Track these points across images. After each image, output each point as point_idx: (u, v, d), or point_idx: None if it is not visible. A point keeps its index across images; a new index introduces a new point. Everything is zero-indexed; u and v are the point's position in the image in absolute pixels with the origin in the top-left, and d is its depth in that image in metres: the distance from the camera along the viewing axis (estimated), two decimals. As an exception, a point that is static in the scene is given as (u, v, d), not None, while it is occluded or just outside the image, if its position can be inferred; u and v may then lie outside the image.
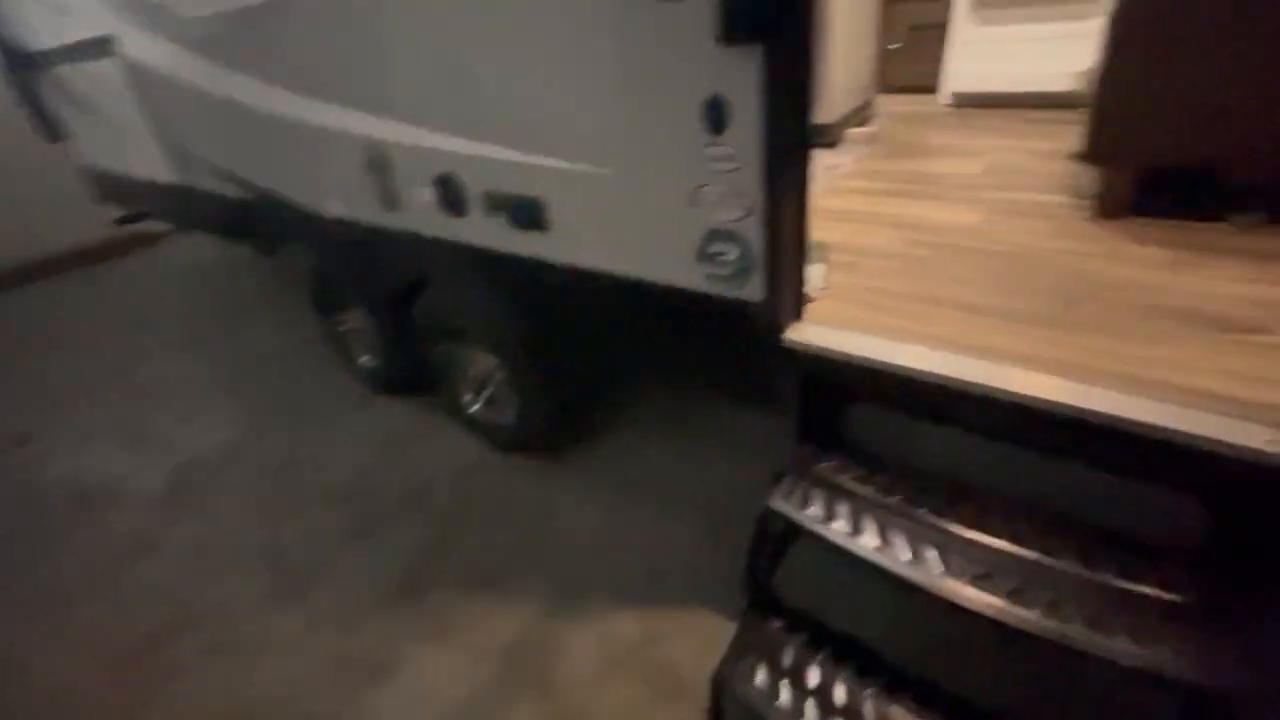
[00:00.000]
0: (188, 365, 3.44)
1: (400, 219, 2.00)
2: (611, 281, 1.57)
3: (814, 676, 1.23)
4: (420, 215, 1.91)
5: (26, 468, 2.75)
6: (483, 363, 2.36)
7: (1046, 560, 1.09)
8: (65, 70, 3.30)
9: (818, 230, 1.91)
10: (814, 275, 1.60)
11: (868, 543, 1.19)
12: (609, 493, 2.20)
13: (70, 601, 2.05)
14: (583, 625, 1.77)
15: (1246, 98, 1.45)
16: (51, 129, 3.81)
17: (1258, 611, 0.98)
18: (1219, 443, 0.96)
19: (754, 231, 1.27)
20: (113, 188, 3.89)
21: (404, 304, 2.37)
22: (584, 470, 2.32)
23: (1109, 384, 1.10)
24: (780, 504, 1.28)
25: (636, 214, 1.44)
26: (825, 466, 1.35)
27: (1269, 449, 0.93)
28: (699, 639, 1.65)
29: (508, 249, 1.75)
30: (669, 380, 1.91)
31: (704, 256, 1.37)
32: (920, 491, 1.25)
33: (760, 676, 1.25)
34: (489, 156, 1.64)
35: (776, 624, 1.34)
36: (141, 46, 2.61)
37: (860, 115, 2.96)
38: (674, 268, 1.43)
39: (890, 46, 3.48)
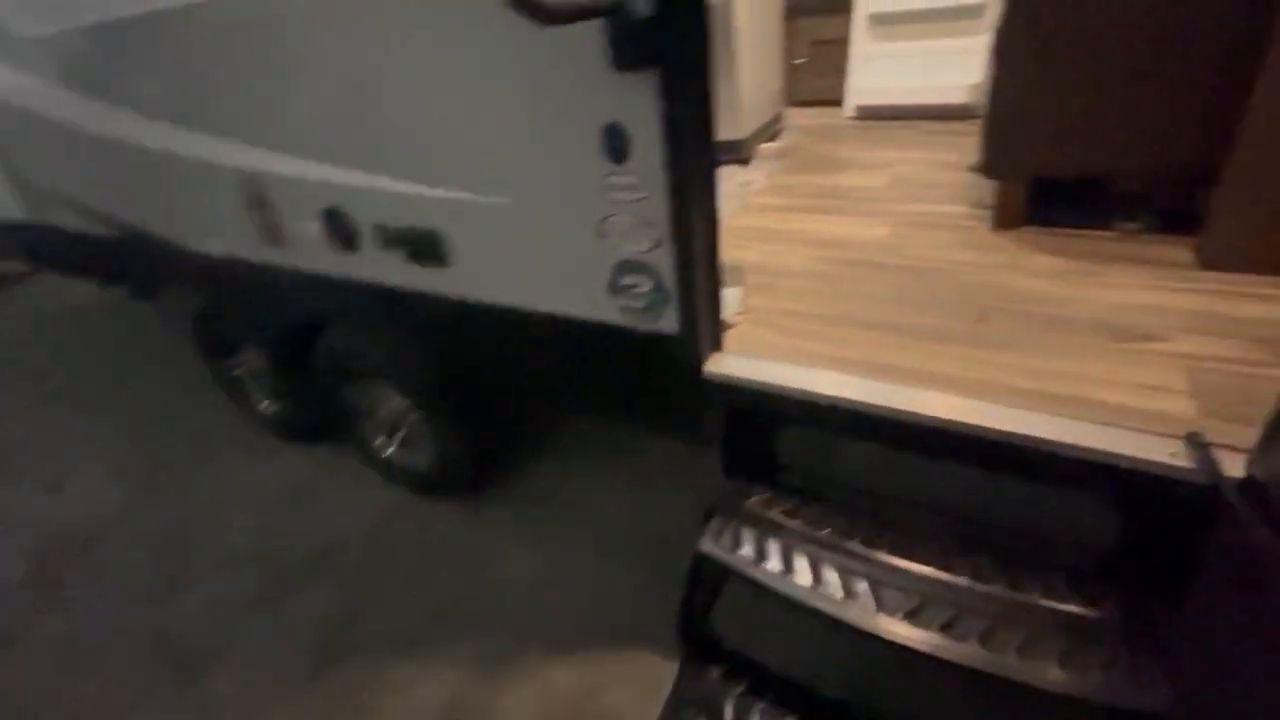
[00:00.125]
0: (58, 422, 3.07)
1: (287, 255, 1.83)
2: (522, 316, 1.48)
3: (756, 726, 1.18)
4: (308, 251, 1.76)
5: None
6: (394, 403, 2.20)
7: (977, 586, 1.08)
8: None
9: (735, 250, 1.89)
10: (731, 299, 1.56)
11: (801, 581, 1.14)
12: (541, 533, 2.08)
13: (-97, 722, 1.75)
14: (518, 682, 1.65)
15: (1125, 111, 1.52)
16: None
17: (1178, 624, 0.99)
18: (1127, 458, 0.97)
19: (665, 263, 1.21)
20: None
21: (303, 344, 2.18)
22: (513, 511, 2.20)
23: (1022, 402, 1.10)
24: (710, 547, 1.22)
25: (542, 246, 1.36)
26: (755, 501, 1.30)
27: (1173, 462, 0.95)
28: (641, 685, 1.56)
29: (407, 285, 1.63)
30: (597, 413, 1.83)
31: (616, 289, 1.30)
32: (851, 521, 1.22)
33: (701, 731, 1.18)
34: (379, 188, 1.51)
35: (715, 672, 1.27)
36: (-27, 70, 2.31)
37: (770, 130, 2.99)
38: (586, 301, 1.36)
39: (796, 62, 3.56)
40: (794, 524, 1.25)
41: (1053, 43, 1.52)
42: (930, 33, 3.00)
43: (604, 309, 1.34)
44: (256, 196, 1.77)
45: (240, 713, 1.66)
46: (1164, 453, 0.96)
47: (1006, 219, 1.79)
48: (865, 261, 1.70)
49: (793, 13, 3.39)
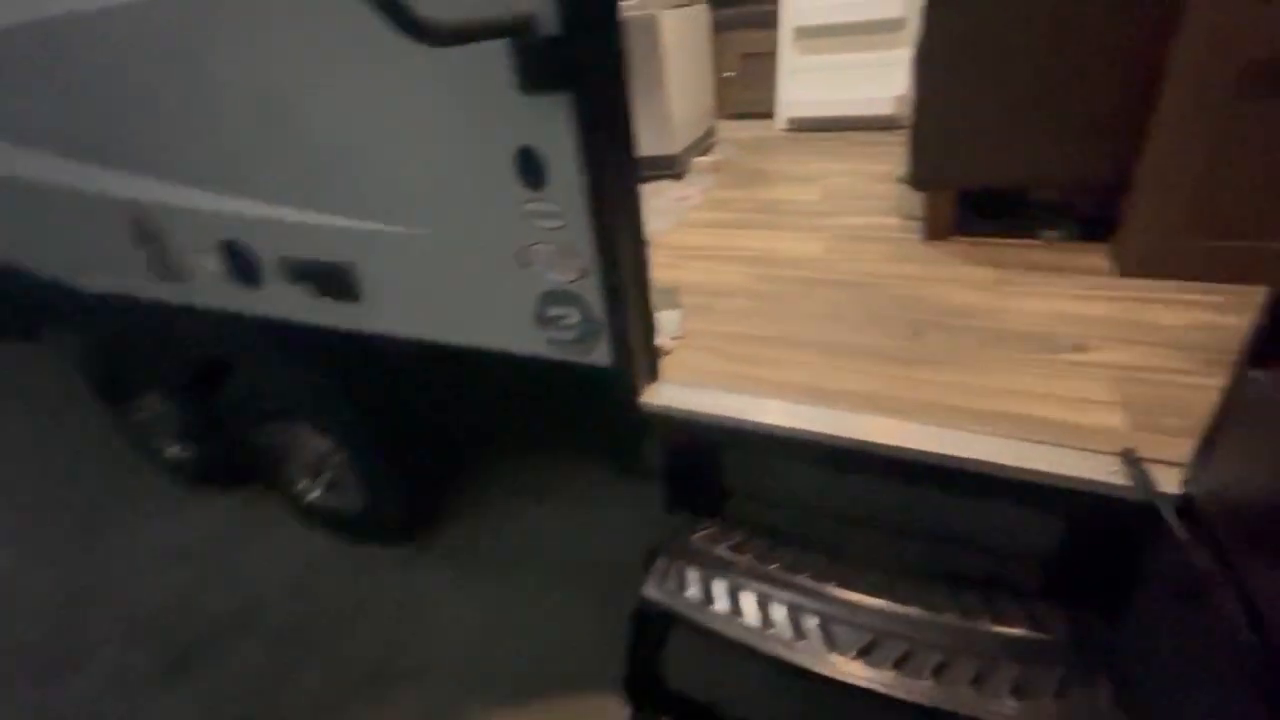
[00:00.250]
0: (-69, 482, 2.74)
1: (183, 292, 1.67)
2: (446, 352, 1.38)
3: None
4: (207, 287, 1.60)
5: None
6: (316, 443, 2.05)
7: (928, 616, 1.05)
8: None
9: (671, 270, 1.84)
10: (668, 323, 1.50)
11: (749, 622, 1.09)
12: (483, 577, 1.97)
13: None
14: (460, 743, 1.53)
15: (1041, 124, 1.55)
16: None
17: (1122, 640, 0.98)
18: (1067, 478, 0.96)
19: (592, 293, 1.14)
20: None
21: (210, 384, 2.00)
22: (452, 555, 2.07)
23: (963, 423, 1.08)
24: (654, 592, 1.15)
25: (459, 278, 1.27)
26: (700, 536, 1.24)
27: (1111, 479, 0.94)
28: (591, 736, 1.48)
29: (318, 321, 1.50)
30: (536, 448, 1.73)
31: (543, 321, 1.23)
32: (800, 552, 1.18)
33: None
34: (282, 219, 1.38)
35: (666, 722, 1.20)
36: None
37: (704, 144, 2.97)
38: (511, 335, 1.27)
39: (726, 75, 3.57)
40: (742, 559, 1.19)
41: (970, 59, 1.54)
42: (854, 45, 3.06)
43: (531, 342, 1.26)
44: (146, 230, 1.61)
45: (145, 807, 1.48)
46: (1102, 471, 0.95)
47: (936, 230, 1.80)
48: (802, 278, 1.68)
49: (721, 26, 3.40)
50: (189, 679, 1.76)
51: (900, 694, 0.95)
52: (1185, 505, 0.87)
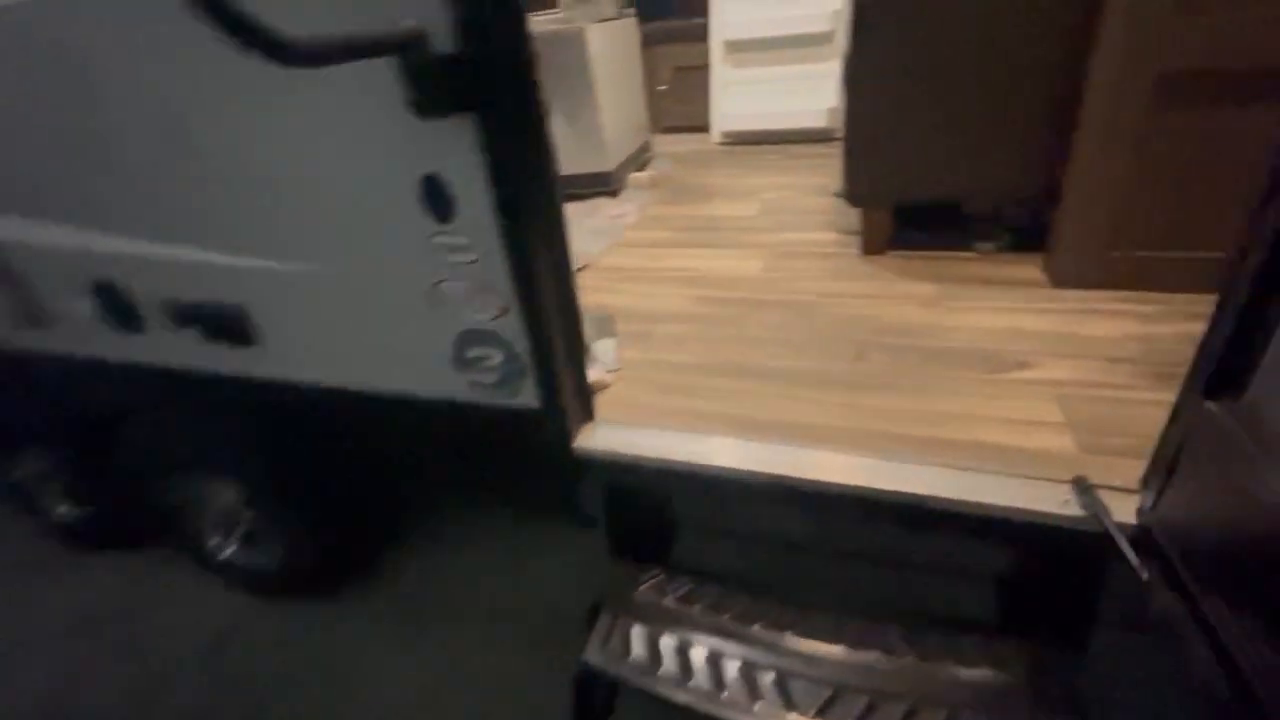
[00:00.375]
0: None
1: (54, 339, 1.47)
2: (360, 398, 1.25)
3: None
4: (80, 334, 1.42)
5: None
6: (227, 496, 1.86)
7: (888, 664, 0.98)
8: None
9: (607, 294, 1.76)
10: (604, 354, 1.41)
11: (700, 685, 1.00)
12: (419, 632, 1.81)
13: None
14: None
15: (971, 138, 1.54)
16: None
17: (1087, 681, 0.94)
18: (1020, 510, 0.92)
19: (514, 331, 1.04)
20: None
21: (100, 438, 1.78)
22: (384, 610, 1.90)
23: (912, 455, 1.03)
24: (597, 657, 1.05)
25: (367, 319, 1.15)
26: (646, 587, 1.15)
27: (1064, 511, 0.90)
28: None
29: (210, 369, 1.34)
30: (470, 494, 1.60)
31: (462, 364, 1.12)
32: (752, 600, 1.10)
33: None
34: (162, 258, 1.23)
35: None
36: None
37: (639, 159, 2.91)
38: (428, 379, 1.16)
39: (659, 88, 3.54)
40: (691, 610, 1.10)
41: (898, 77, 1.53)
42: (784, 59, 3.06)
43: (451, 386, 1.15)
44: (5, 271, 1.41)
45: None
46: (1055, 501, 0.91)
47: (873, 245, 1.78)
48: (742, 299, 1.62)
49: (651, 40, 3.36)
50: (78, 779, 1.55)
51: (864, 755, 0.89)
52: (1141, 536, 0.84)
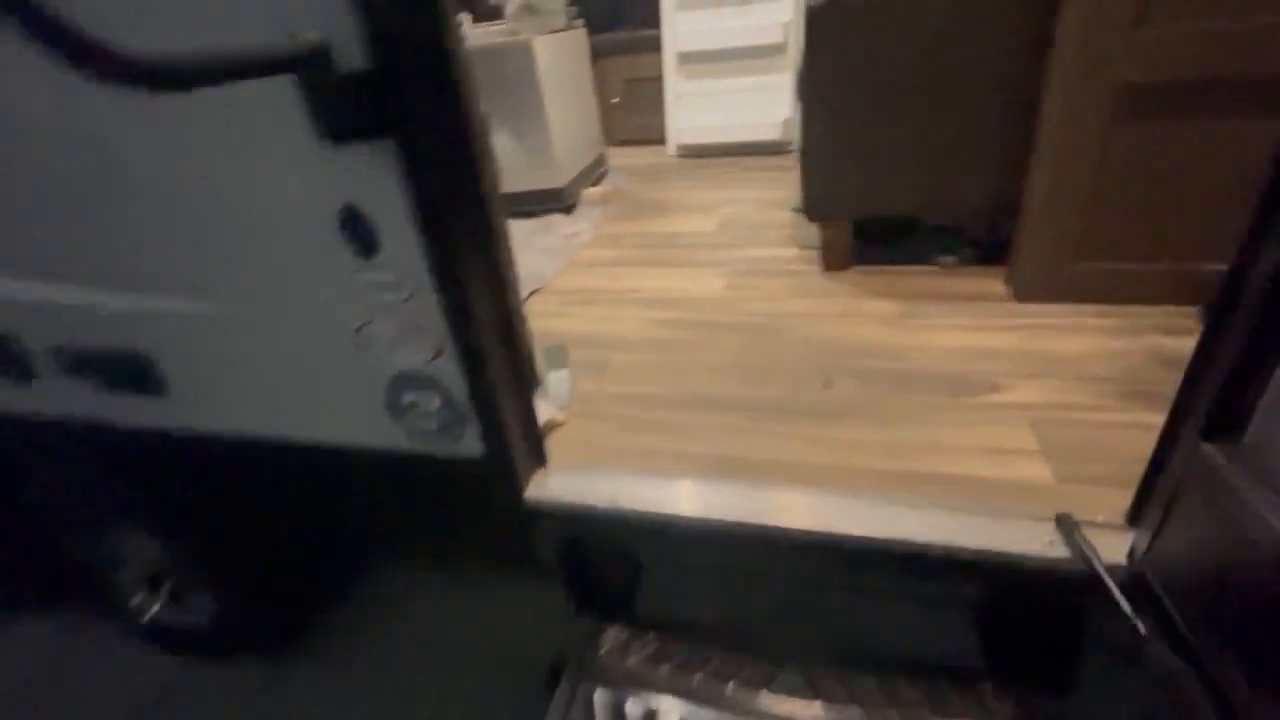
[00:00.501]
0: None
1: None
2: (284, 448, 1.12)
3: None
4: (-38, 387, 1.25)
5: None
6: (150, 550, 1.69)
7: (866, 718, 0.91)
8: None
9: (561, 319, 1.67)
10: (557, 388, 1.32)
11: (671, 757, 0.91)
12: (366, 690, 1.67)
13: None
14: None
15: (929, 152, 1.51)
16: None
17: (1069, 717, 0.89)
18: (1002, 554, 0.86)
19: (452, 374, 0.94)
20: None
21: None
22: (329, 666, 1.75)
23: (887, 489, 0.97)
24: (555, 731, 0.95)
25: (290, 365, 1.03)
26: (609, 649, 1.06)
27: (1049, 553, 0.84)
28: None
29: (115, 420, 1.20)
30: (416, 544, 1.48)
31: (397, 410, 1.01)
32: (723, 657, 1.01)
33: None
34: (49, 300, 1.09)
35: None
36: None
37: (593, 174, 2.83)
38: (360, 427, 1.05)
39: (612, 101, 3.47)
40: (658, 672, 1.01)
41: (854, 92, 1.48)
42: (736, 70, 3.03)
43: (385, 434, 1.04)
44: None
45: None
46: (1039, 541, 0.85)
47: (834, 261, 1.74)
48: (703, 322, 1.55)
49: (601, 52, 3.30)
50: None
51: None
52: (1133, 580, 0.79)
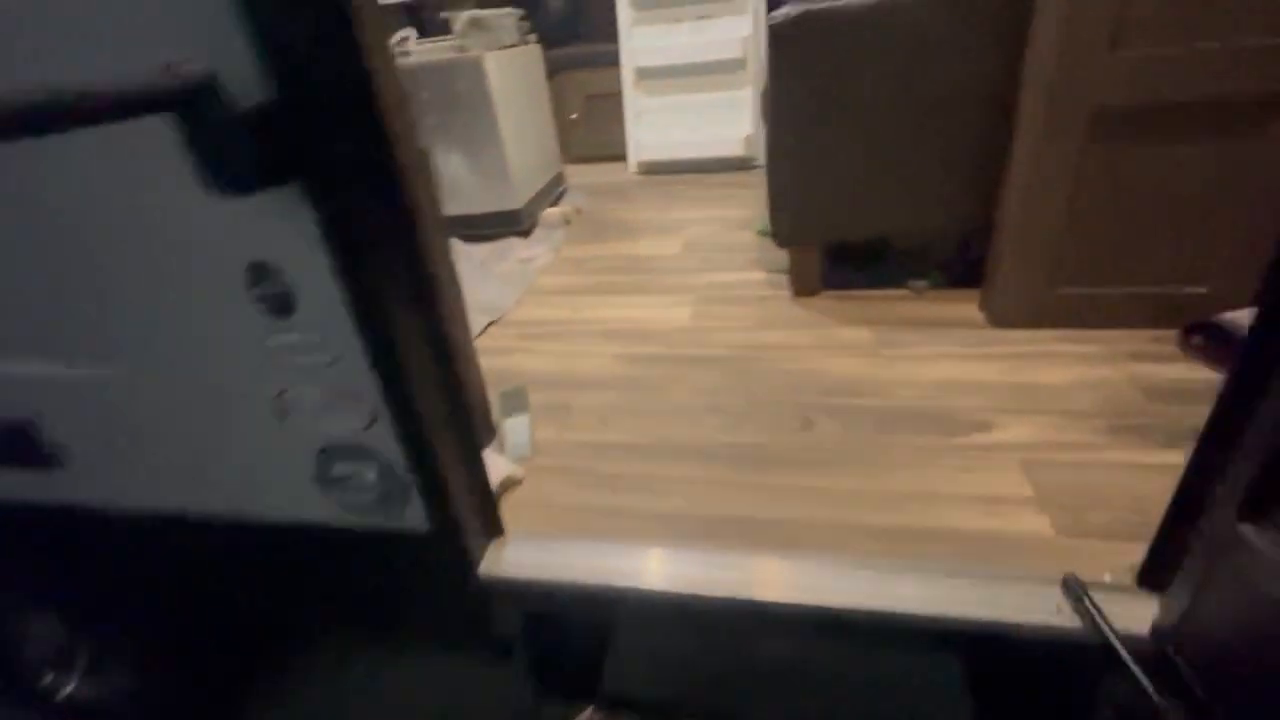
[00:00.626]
0: None
1: None
2: (201, 523, 0.99)
3: None
4: None
5: None
6: (51, 627, 1.50)
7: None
8: None
9: (519, 355, 1.55)
10: (515, 437, 1.21)
11: None
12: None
13: None
14: None
15: (899, 174, 1.46)
16: None
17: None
18: (1003, 624, 0.78)
19: (390, 444, 0.82)
20: None
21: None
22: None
23: (875, 549, 0.89)
24: None
25: (200, 434, 0.90)
26: (576, 734, 0.95)
27: (1058, 622, 0.77)
28: None
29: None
30: (359, 620, 1.33)
31: (329, 482, 0.88)
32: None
33: None
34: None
35: None
36: None
37: (552, 193, 2.73)
38: (285, 500, 0.92)
39: (571, 117, 3.38)
40: (632, 762, 0.91)
41: (821, 115, 1.42)
42: (696, 86, 2.98)
43: (316, 508, 0.91)
44: None
45: None
46: (1046, 609, 0.78)
47: (804, 287, 1.67)
48: (671, 357, 1.46)
49: (557, 67, 3.20)
50: None
51: None
52: (1148, 650, 0.72)
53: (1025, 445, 1.07)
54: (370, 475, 0.86)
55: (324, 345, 0.76)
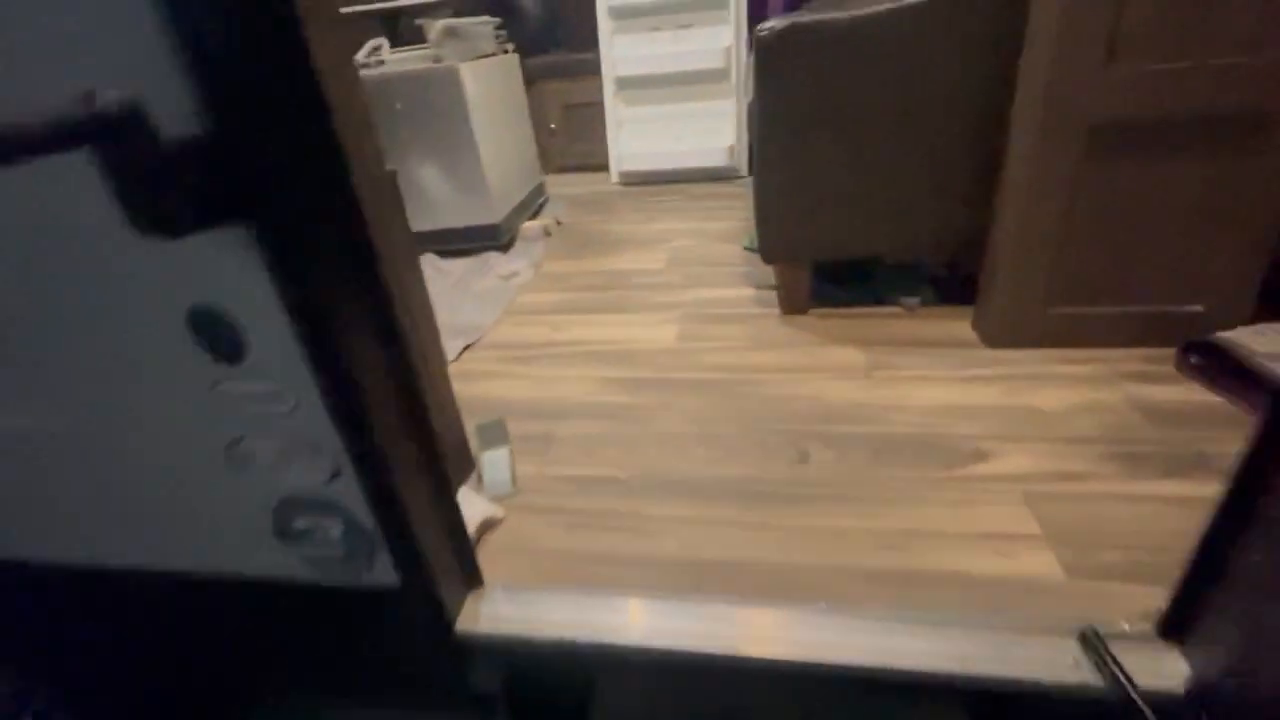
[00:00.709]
0: None
1: None
2: (151, 577, 0.91)
3: None
4: None
5: None
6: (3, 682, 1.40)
7: None
8: None
9: (498, 381, 1.48)
10: (495, 472, 1.14)
11: None
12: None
13: None
14: None
15: (889, 192, 1.42)
16: None
17: None
18: (1016, 681, 0.73)
19: (355, 496, 0.75)
20: None
21: None
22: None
23: (875, 595, 0.84)
24: None
25: (149, 486, 0.82)
26: (563, 801, 0.88)
27: (1074, 677, 0.72)
28: None
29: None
30: (330, 675, 1.25)
31: (290, 537, 0.81)
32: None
33: None
34: None
35: None
36: None
37: (532, 205, 2.67)
38: (243, 555, 0.84)
39: (550, 126, 3.32)
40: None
41: (807, 124, 1.37)
42: (678, 96, 2.94)
43: (278, 563, 0.84)
44: None
45: None
46: (1063, 665, 0.73)
47: (793, 305, 1.62)
48: (658, 381, 1.40)
49: (535, 76, 3.15)
50: None
51: None
52: (1175, 706, 0.68)
53: (1026, 476, 1.03)
54: (334, 530, 0.79)
55: (280, 393, 0.69)
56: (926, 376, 1.32)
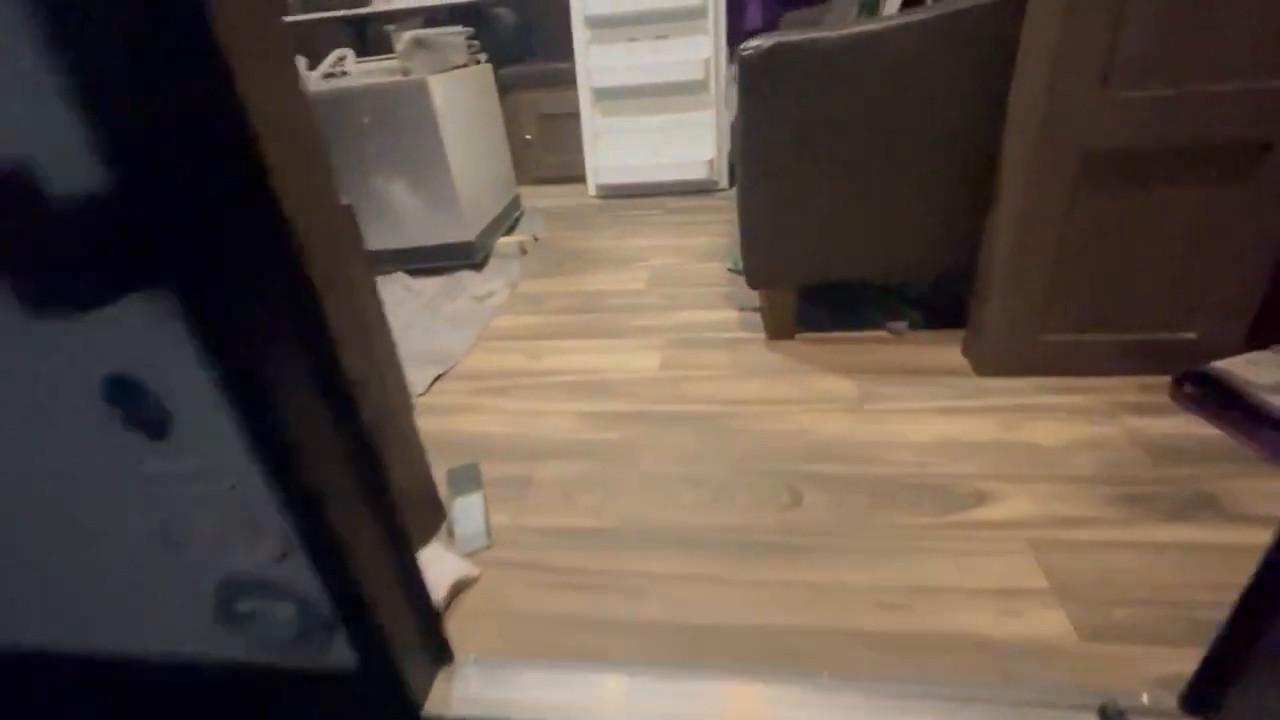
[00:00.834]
0: None
1: None
2: (86, 659, 0.81)
3: None
4: None
5: None
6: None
7: None
8: None
9: (471, 416, 1.39)
10: (467, 522, 1.06)
11: None
12: None
13: None
14: None
15: (877, 219, 1.37)
16: None
17: None
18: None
19: (305, 574, 0.67)
20: None
21: None
22: None
23: (876, 662, 0.78)
24: None
25: (75, 567, 0.72)
26: None
27: (1099, 758, 0.67)
28: None
29: None
30: None
31: (234, 619, 0.73)
32: None
33: None
34: None
35: None
36: None
37: (507, 220, 2.58)
38: (183, 638, 0.76)
39: (526, 137, 3.24)
40: None
41: (793, 145, 1.32)
42: (657, 107, 2.88)
43: (222, 645, 0.75)
44: None
45: None
46: (1084, 744, 0.68)
47: (779, 329, 1.57)
48: (641, 415, 1.33)
49: (509, 86, 3.07)
50: None
51: None
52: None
53: (1029, 521, 0.98)
54: (285, 611, 0.71)
55: (215, 470, 0.61)
56: (920, 409, 1.27)
